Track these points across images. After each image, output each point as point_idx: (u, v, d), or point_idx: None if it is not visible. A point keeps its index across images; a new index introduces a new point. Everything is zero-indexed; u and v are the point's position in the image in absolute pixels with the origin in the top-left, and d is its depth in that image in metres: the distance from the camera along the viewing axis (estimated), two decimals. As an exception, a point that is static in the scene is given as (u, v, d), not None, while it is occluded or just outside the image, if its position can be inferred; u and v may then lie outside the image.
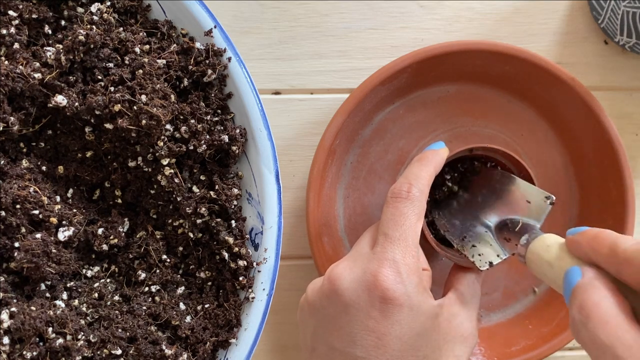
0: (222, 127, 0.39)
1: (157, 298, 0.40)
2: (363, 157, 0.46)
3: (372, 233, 0.37)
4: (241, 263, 0.39)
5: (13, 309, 0.35)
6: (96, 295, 0.39)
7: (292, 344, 0.47)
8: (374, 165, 0.46)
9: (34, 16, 0.38)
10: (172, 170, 0.38)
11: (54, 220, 0.37)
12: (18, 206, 0.36)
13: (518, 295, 0.47)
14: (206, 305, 0.40)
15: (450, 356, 0.34)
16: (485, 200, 0.41)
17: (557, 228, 0.47)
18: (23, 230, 0.36)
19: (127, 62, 0.38)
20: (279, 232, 0.39)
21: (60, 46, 0.37)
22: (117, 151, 0.39)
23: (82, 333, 0.36)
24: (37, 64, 0.37)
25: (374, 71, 0.42)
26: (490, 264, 0.37)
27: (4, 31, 0.37)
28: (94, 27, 0.37)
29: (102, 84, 0.37)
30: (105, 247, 0.39)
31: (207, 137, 0.38)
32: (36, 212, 0.36)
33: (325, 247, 0.43)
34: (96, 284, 0.39)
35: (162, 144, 0.37)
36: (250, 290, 0.39)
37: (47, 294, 0.38)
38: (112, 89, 0.37)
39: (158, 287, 0.40)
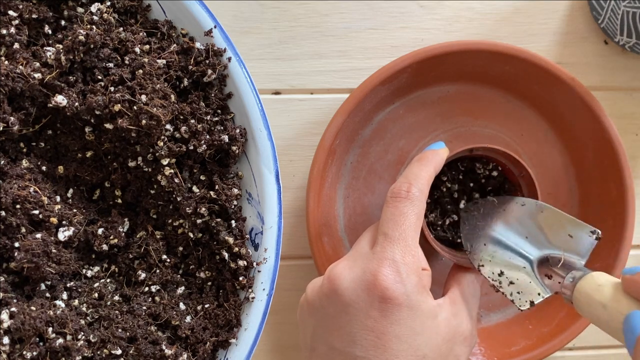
0: (222, 127, 0.39)
1: (157, 298, 0.40)
2: (363, 157, 0.46)
3: (371, 233, 0.37)
4: (241, 263, 0.39)
5: (13, 309, 0.35)
6: (96, 295, 0.39)
7: (292, 344, 0.47)
8: (374, 165, 0.46)
9: (34, 16, 0.38)
10: (172, 170, 0.38)
11: (54, 220, 0.37)
12: (18, 206, 0.36)
13: (518, 295, 0.47)
14: (206, 305, 0.40)
15: (449, 356, 0.34)
16: (522, 231, 0.38)
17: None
18: (23, 230, 0.36)
19: (127, 62, 0.38)
20: (279, 232, 0.39)
21: (60, 46, 0.37)
22: (117, 151, 0.39)
23: (82, 333, 0.36)
24: (37, 64, 0.37)
25: (374, 71, 0.42)
26: (532, 303, 0.34)
27: (4, 31, 0.37)
28: (94, 27, 0.37)
29: (102, 84, 0.37)
30: (105, 247, 0.39)
31: (207, 137, 0.38)
32: (36, 212, 0.37)
33: (325, 247, 0.43)
34: (96, 284, 0.39)
35: (162, 144, 0.37)
36: (250, 290, 0.39)
37: (47, 294, 0.38)
38: (112, 89, 0.37)
39: (158, 287, 0.40)
